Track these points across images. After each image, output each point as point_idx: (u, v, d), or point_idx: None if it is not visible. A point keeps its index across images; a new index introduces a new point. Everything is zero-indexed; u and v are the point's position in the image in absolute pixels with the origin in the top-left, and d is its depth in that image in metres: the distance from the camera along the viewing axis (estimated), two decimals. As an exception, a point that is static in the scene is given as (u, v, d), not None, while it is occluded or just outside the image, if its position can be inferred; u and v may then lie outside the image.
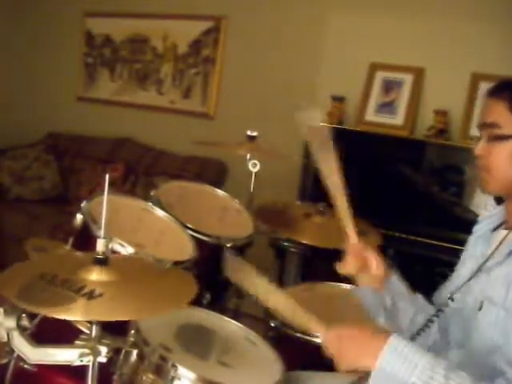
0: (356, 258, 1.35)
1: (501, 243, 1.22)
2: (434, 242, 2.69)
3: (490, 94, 1.21)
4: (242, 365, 1.38)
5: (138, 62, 4.18)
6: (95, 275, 1.19)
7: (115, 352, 1.27)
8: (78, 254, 1.49)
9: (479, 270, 1.24)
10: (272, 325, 1.74)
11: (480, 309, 1.19)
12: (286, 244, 2.41)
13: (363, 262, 1.35)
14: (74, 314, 1.09)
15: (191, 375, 1.24)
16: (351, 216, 1.36)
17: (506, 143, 1.17)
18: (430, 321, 1.32)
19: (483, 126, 1.22)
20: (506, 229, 1.24)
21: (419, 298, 1.41)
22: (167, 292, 1.29)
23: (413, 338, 1.32)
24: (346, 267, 1.35)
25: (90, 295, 1.12)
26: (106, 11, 4.27)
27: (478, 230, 1.35)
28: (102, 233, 1.21)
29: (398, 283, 1.38)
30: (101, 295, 1.13)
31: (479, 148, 1.22)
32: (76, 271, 1.20)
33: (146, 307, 1.19)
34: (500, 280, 1.15)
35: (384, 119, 3.14)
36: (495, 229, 1.28)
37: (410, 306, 1.38)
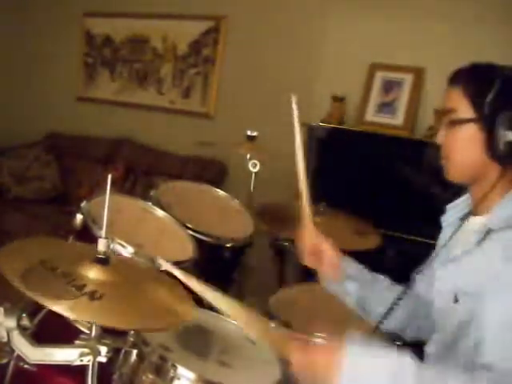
0: (312, 253, 1.42)
1: (460, 230, 1.26)
2: (434, 241, 2.69)
3: (448, 83, 1.24)
4: (242, 365, 1.38)
5: (138, 62, 4.18)
6: (96, 274, 1.19)
7: (115, 352, 1.27)
8: (79, 245, 1.49)
9: (446, 260, 1.27)
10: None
11: (456, 301, 1.19)
12: (285, 244, 2.41)
13: (318, 255, 1.42)
14: (76, 313, 1.09)
15: (191, 375, 1.24)
16: (309, 199, 1.42)
17: (462, 127, 1.20)
18: (399, 298, 1.36)
19: (442, 113, 1.26)
20: (474, 215, 1.26)
21: (382, 279, 1.46)
22: (166, 303, 1.27)
23: (381, 321, 1.37)
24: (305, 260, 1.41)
25: (92, 296, 1.12)
26: (106, 11, 4.27)
27: (446, 219, 1.38)
28: (103, 233, 1.21)
29: (354, 269, 1.44)
30: (101, 297, 1.13)
31: (440, 136, 1.26)
32: (77, 265, 1.19)
33: (145, 317, 1.18)
34: (471, 271, 1.16)
35: (384, 119, 3.14)
36: (463, 218, 1.30)
37: (373, 289, 1.43)
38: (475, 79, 1.19)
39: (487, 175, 1.20)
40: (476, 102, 1.17)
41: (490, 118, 1.15)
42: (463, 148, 1.21)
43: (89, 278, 1.17)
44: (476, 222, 1.22)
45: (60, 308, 1.07)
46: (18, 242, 1.24)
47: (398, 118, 3.10)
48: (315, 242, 1.45)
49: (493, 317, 1.06)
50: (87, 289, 1.13)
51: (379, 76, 3.20)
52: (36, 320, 1.45)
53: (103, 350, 1.22)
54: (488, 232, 1.15)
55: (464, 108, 1.19)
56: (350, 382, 1.00)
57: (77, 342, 1.23)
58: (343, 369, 1.00)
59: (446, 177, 1.27)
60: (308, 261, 1.43)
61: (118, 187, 3.55)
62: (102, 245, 1.20)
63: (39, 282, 1.11)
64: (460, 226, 1.29)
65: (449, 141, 1.23)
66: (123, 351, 1.32)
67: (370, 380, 1.00)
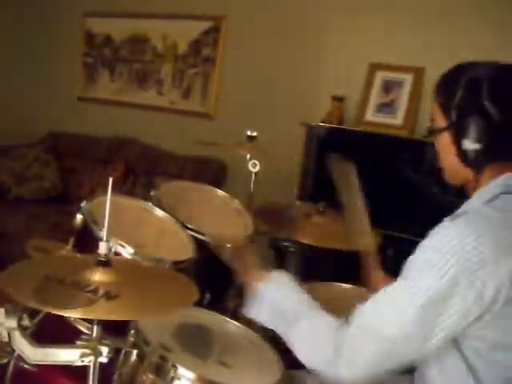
0: None
1: None
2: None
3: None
4: (242, 365, 1.39)
5: (138, 62, 4.18)
6: (103, 276, 1.20)
7: (115, 352, 1.27)
8: (79, 255, 1.50)
9: None
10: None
11: None
12: (286, 244, 2.41)
13: None
14: (102, 315, 1.12)
15: (191, 375, 1.25)
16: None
17: (440, 136, 1.23)
18: None
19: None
20: None
21: None
22: (172, 291, 1.30)
23: None
24: None
25: (108, 296, 1.14)
26: (106, 11, 4.27)
27: None
28: (104, 236, 1.21)
29: None
30: (117, 295, 1.14)
31: (435, 143, 1.28)
32: (81, 273, 1.20)
33: (160, 305, 1.23)
34: None
35: (384, 119, 3.14)
36: None
37: None
38: (443, 86, 1.23)
39: (470, 177, 1.22)
40: (444, 109, 1.20)
41: (457, 126, 1.17)
42: (444, 155, 1.25)
43: (98, 281, 1.18)
44: None
45: (84, 314, 1.10)
46: (15, 265, 1.25)
47: (398, 118, 3.10)
48: None
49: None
50: (101, 291, 1.14)
51: (379, 76, 3.20)
52: (36, 320, 1.45)
53: (104, 350, 1.22)
54: None
55: (439, 117, 1.22)
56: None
57: (78, 342, 1.23)
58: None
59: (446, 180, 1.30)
60: None
61: (118, 187, 3.55)
62: (103, 247, 1.21)
63: (54, 297, 1.11)
64: None
65: (436, 148, 1.27)
66: (123, 351, 1.32)
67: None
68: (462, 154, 1.17)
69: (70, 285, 1.16)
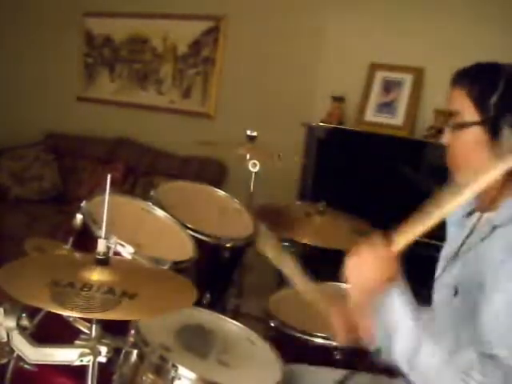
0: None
1: (474, 228, 1.24)
2: (433, 241, 2.69)
3: (451, 83, 1.23)
4: (242, 365, 1.38)
5: (138, 62, 4.17)
6: (107, 276, 1.19)
7: (115, 352, 1.27)
8: (78, 255, 1.50)
9: (455, 256, 1.26)
10: (272, 325, 1.74)
11: (455, 294, 1.19)
12: (286, 244, 2.40)
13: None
14: (135, 315, 1.16)
15: (191, 375, 1.24)
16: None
17: (467, 130, 1.18)
18: None
19: (447, 114, 1.24)
20: (479, 212, 1.24)
21: None
22: (175, 291, 1.31)
23: None
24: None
25: (128, 296, 1.14)
26: (106, 11, 4.27)
27: (451, 217, 1.35)
28: (102, 233, 1.21)
29: None
30: (135, 294, 1.15)
31: (446, 138, 1.23)
32: (84, 274, 1.19)
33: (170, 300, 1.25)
34: (474, 266, 1.15)
35: (384, 119, 3.14)
36: (468, 214, 1.29)
37: None
38: (479, 80, 1.18)
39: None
40: (480, 104, 1.16)
41: (494, 121, 1.14)
42: (469, 151, 1.19)
43: (106, 281, 1.18)
44: (483, 220, 1.22)
45: (120, 316, 1.10)
46: (9, 266, 1.23)
47: (398, 118, 3.10)
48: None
49: (499, 305, 1.04)
50: (118, 291, 1.15)
51: (379, 76, 3.20)
52: (36, 320, 1.45)
53: (103, 350, 1.22)
54: (493, 228, 1.15)
55: (468, 110, 1.17)
56: (378, 307, 1.11)
57: (77, 342, 1.23)
58: (384, 294, 1.11)
59: (454, 178, 1.24)
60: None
61: (117, 187, 3.55)
62: (102, 245, 1.20)
63: (76, 303, 1.11)
64: (464, 223, 1.29)
65: (454, 143, 1.22)
66: (123, 351, 1.32)
67: (390, 326, 1.09)
68: (500, 149, 1.13)
69: (81, 288, 1.15)
